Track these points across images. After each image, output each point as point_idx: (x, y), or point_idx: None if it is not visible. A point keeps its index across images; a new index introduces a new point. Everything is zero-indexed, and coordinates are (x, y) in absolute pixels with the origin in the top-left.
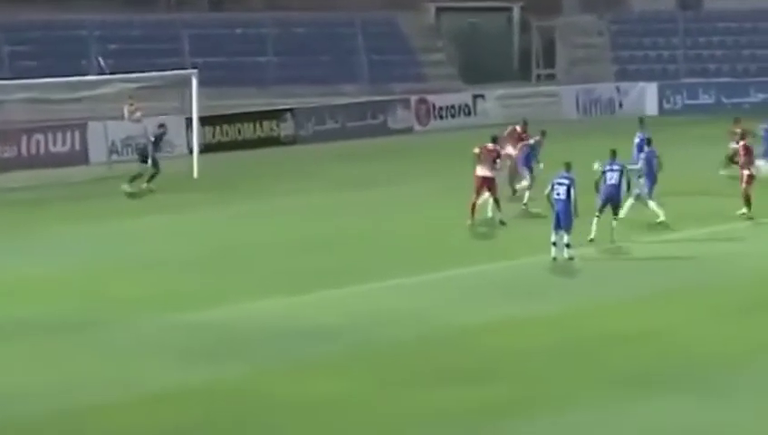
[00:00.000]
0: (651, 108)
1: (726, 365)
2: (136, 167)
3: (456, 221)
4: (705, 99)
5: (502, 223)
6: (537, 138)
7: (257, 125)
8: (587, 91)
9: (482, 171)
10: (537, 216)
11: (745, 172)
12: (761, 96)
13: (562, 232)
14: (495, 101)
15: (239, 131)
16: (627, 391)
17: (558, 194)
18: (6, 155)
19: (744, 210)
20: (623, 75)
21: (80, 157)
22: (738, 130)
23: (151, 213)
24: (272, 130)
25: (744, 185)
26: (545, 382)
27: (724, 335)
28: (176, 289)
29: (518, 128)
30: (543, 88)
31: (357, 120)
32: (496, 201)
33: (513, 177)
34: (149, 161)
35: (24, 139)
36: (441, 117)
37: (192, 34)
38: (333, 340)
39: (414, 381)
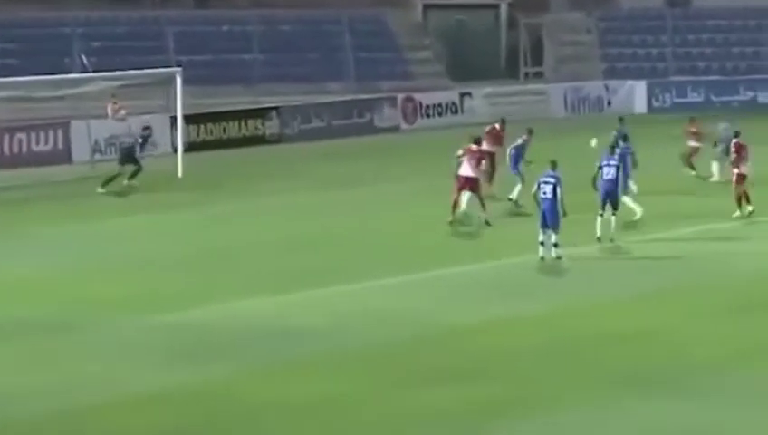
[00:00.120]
0: (640, 106)
1: (719, 366)
2: (115, 167)
3: (443, 220)
4: (694, 97)
5: (487, 223)
6: (525, 137)
7: (242, 124)
8: (575, 90)
9: (465, 171)
10: (523, 214)
11: (736, 171)
12: (750, 94)
13: (550, 231)
14: (483, 100)
15: (224, 130)
16: (619, 391)
17: (544, 193)
18: None
19: (738, 213)
20: (612, 73)
21: (63, 156)
22: (694, 130)
23: (135, 213)
24: (257, 128)
25: (734, 185)
26: (537, 382)
27: (716, 336)
28: (160, 289)
29: (497, 126)
30: (531, 86)
31: (343, 118)
32: (481, 201)
33: (490, 173)
34: (134, 161)
35: (6, 138)
36: (428, 115)
37: (177, 32)
38: (321, 340)
39: (404, 382)
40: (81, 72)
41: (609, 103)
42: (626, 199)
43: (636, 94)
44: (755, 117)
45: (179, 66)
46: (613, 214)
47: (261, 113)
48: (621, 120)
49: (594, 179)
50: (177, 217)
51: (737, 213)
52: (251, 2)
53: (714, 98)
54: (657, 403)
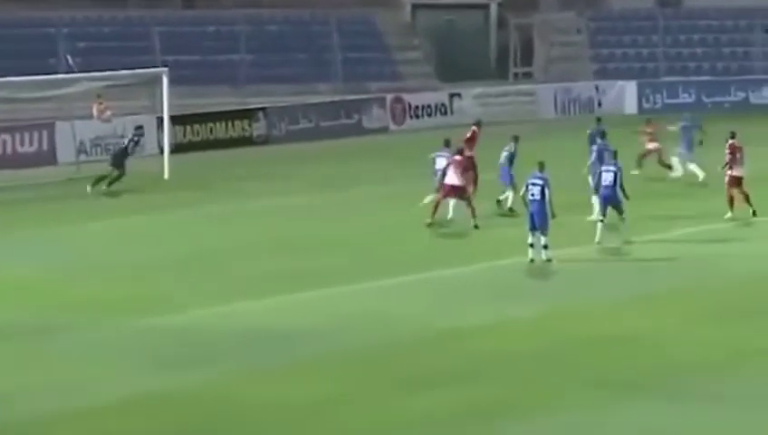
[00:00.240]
0: (630, 107)
1: (714, 368)
2: (105, 168)
3: (434, 224)
4: (685, 98)
5: (476, 227)
6: (512, 145)
7: (229, 125)
8: (565, 90)
9: (451, 179)
10: (512, 216)
11: (729, 173)
12: (741, 95)
13: (539, 233)
14: (472, 100)
15: (211, 131)
16: (613, 394)
17: (532, 195)
18: None
19: (730, 214)
20: (602, 74)
21: (47, 157)
22: (650, 130)
23: (121, 215)
24: (244, 129)
25: (727, 186)
26: (532, 385)
27: (710, 338)
28: (146, 292)
29: (475, 129)
30: (521, 86)
31: (331, 119)
32: (471, 207)
33: (474, 178)
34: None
35: None
36: (417, 116)
37: (163, 32)
38: (314, 343)
39: (399, 384)
40: (67, 72)
41: (599, 104)
42: (594, 199)
43: (626, 95)
44: (747, 118)
45: (166, 66)
46: (621, 219)
47: (248, 114)
48: (599, 120)
49: (597, 185)
50: (163, 218)
51: (729, 214)
52: (238, 2)
53: (705, 99)
54: (651, 406)
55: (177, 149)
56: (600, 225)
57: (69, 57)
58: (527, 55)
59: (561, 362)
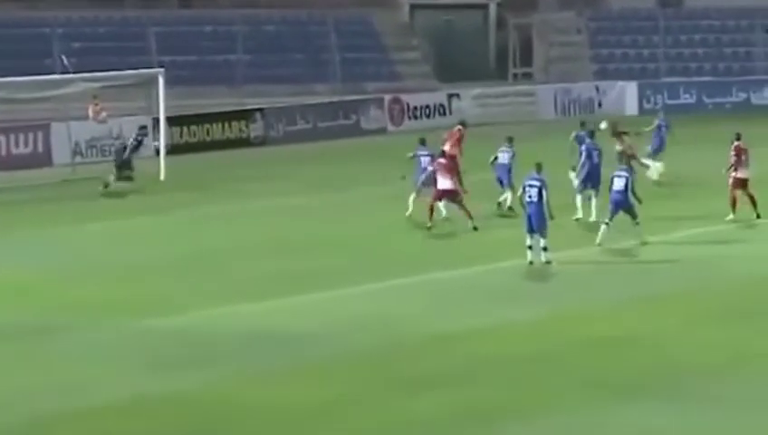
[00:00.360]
0: (631, 107)
1: (714, 371)
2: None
3: (432, 226)
4: (686, 98)
5: (475, 228)
6: (510, 147)
7: (226, 126)
8: (565, 91)
9: (442, 184)
10: (510, 217)
11: (733, 175)
12: (743, 95)
13: (537, 235)
14: (471, 101)
15: (207, 132)
16: (610, 396)
17: (530, 196)
18: None
19: (732, 216)
20: (602, 74)
21: (43, 158)
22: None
23: (117, 216)
24: (241, 130)
25: (730, 188)
26: (528, 388)
27: (711, 341)
28: (145, 293)
29: (461, 129)
30: (520, 87)
31: (329, 120)
32: (465, 209)
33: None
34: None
35: None
36: (415, 117)
37: (159, 32)
38: (310, 346)
39: (393, 388)
40: (62, 73)
41: (599, 105)
42: (578, 199)
43: (627, 96)
44: (749, 118)
45: (162, 67)
46: (634, 223)
47: (245, 115)
48: (583, 124)
49: (609, 189)
50: (159, 220)
51: (731, 216)
52: (234, 2)
53: (706, 99)
54: (651, 407)
55: (173, 150)
56: (603, 227)
57: (64, 57)
58: (526, 56)
59: (560, 364)
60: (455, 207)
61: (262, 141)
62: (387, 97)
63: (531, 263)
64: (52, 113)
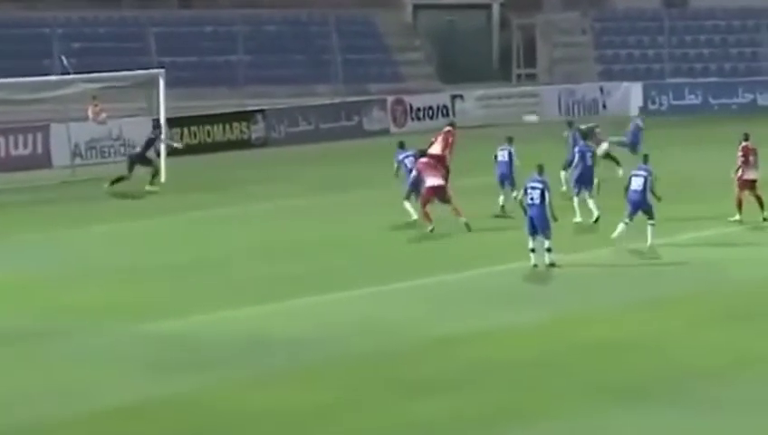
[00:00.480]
0: (636, 108)
1: (718, 375)
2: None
3: (435, 227)
4: (691, 99)
5: (467, 226)
6: (508, 146)
7: (227, 127)
8: (569, 92)
9: (431, 181)
10: (504, 216)
11: (741, 176)
12: (749, 96)
13: (541, 237)
14: (475, 102)
15: (208, 134)
16: (611, 401)
17: (531, 199)
18: None
19: (738, 217)
20: (607, 75)
21: (42, 160)
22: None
23: (117, 218)
24: (242, 132)
25: (737, 189)
26: (531, 392)
27: (715, 344)
28: (141, 297)
29: (451, 129)
30: (524, 88)
31: (331, 121)
32: (455, 208)
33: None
34: (148, 161)
35: None
36: (418, 118)
37: (159, 32)
38: (307, 350)
39: (394, 392)
40: (61, 73)
41: (604, 106)
42: (575, 202)
43: (632, 96)
44: (755, 119)
45: (162, 68)
46: (650, 224)
47: (246, 116)
48: (570, 124)
49: (626, 189)
50: (159, 222)
51: (737, 217)
52: (235, 2)
53: (712, 100)
54: (654, 412)
55: (174, 152)
56: (621, 226)
57: (63, 58)
58: (530, 56)
59: (563, 367)
60: (447, 207)
61: (263, 143)
62: (389, 98)
63: (535, 266)
64: (52, 114)
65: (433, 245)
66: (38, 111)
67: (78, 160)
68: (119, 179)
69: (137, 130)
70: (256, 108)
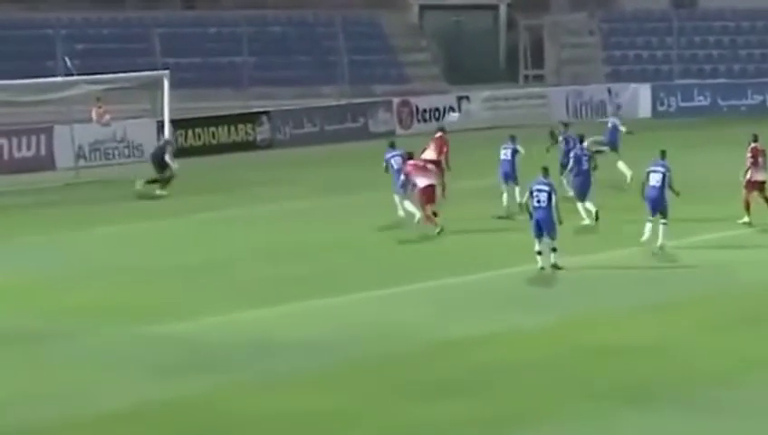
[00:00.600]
0: (644, 110)
1: (726, 378)
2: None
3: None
4: (700, 101)
5: (439, 233)
6: (512, 144)
7: (232, 128)
8: (577, 93)
9: (421, 182)
10: (509, 218)
11: (749, 178)
12: (759, 98)
13: (547, 239)
14: (481, 104)
15: (213, 135)
16: (618, 405)
17: (539, 201)
18: None
19: (747, 219)
20: (615, 76)
21: (45, 162)
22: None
23: (121, 220)
24: (247, 133)
25: (745, 191)
26: (539, 396)
27: (722, 348)
28: (147, 299)
29: (442, 135)
30: (531, 89)
31: (336, 123)
32: (434, 211)
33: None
34: (169, 165)
35: None
36: (425, 120)
37: (163, 33)
38: (318, 353)
39: (402, 396)
40: (65, 75)
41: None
42: (579, 206)
43: (640, 98)
44: (764, 121)
45: (166, 69)
46: (663, 223)
47: (251, 118)
48: (566, 125)
49: (643, 186)
50: (164, 224)
51: (745, 219)
52: (239, 3)
53: (721, 102)
54: (659, 416)
55: (178, 153)
56: (648, 225)
57: (67, 59)
58: (538, 57)
59: (569, 371)
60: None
61: (268, 145)
62: (395, 100)
63: (542, 269)
64: (55, 116)
65: (438, 247)
66: (41, 113)
67: (82, 162)
68: (154, 181)
69: (141, 132)
70: (261, 109)
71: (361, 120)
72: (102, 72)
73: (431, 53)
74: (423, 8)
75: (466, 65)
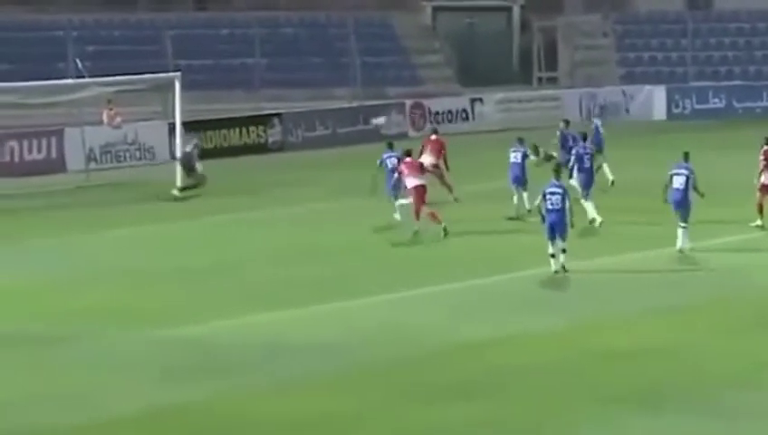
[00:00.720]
0: (659, 112)
1: (738, 382)
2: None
3: (451, 231)
4: (715, 103)
5: (416, 233)
6: (520, 146)
7: (243, 131)
8: (591, 96)
9: (411, 182)
10: (519, 219)
11: (762, 180)
12: None
13: (559, 241)
14: (495, 106)
15: (224, 138)
16: (629, 409)
17: (552, 204)
18: None
19: (759, 222)
20: (629, 78)
21: (56, 164)
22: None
23: (132, 223)
24: (259, 136)
25: (759, 193)
26: (551, 399)
27: (735, 351)
28: (157, 302)
29: (437, 137)
30: (545, 92)
31: (348, 125)
32: (418, 212)
33: (448, 186)
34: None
35: None
36: (437, 122)
37: (175, 35)
38: (328, 356)
39: (414, 398)
40: (76, 77)
41: (626, 110)
42: (586, 205)
43: (655, 100)
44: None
45: (178, 71)
46: (682, 226)
47: (263, 120)
48: (567, 122)
49: (665, 189)
50: (175, 227)
51: (758, 222)
52: (251, 4)
53: (736, 104)
54: (674, 419)
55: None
56: (681, 230)
57: (78, 61)
58: (551, 59)
59: (579, 375)
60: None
61: (280, 147)
62: (408, 102)
63: (556, 272)
64: (66, 118)
65: (450, 250)
66: (52, 115)
67: (93, 165)
68: (188, 187)
69: (152, 134)
70: (273, 112)
71: (373, 122)
72: (113, 73)
73: (444, 55)
74: (436, 9)
75: (479, 67)
